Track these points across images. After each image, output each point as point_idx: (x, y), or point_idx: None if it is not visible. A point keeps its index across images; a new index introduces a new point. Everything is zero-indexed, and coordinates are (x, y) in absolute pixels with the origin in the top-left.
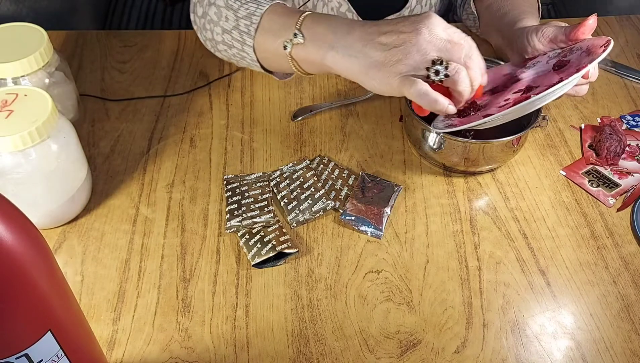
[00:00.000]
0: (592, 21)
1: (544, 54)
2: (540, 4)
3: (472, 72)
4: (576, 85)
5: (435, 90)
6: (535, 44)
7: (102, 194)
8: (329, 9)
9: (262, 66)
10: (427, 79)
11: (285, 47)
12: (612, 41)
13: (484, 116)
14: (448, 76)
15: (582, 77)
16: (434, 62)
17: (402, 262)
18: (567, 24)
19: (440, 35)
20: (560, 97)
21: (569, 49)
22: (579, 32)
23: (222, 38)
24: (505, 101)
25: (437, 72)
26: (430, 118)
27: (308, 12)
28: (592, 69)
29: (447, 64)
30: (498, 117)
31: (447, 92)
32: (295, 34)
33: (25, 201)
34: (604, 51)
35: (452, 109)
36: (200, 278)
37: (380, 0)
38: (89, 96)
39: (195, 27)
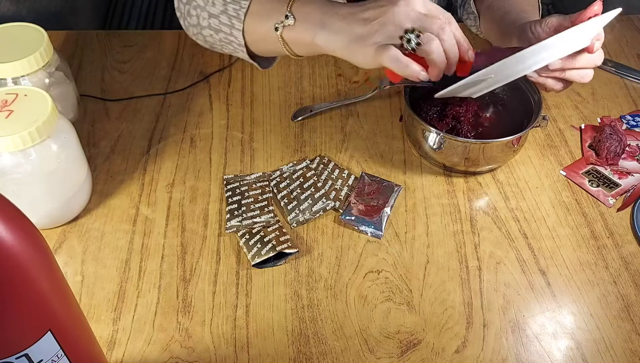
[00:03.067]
0: (597, 7)
1: None
2: (540, 4)
3: (445, 43)
4: (582, 68)
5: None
6: (539, 35)
7: (102, 194)
8: None
9: (248, 52)
10: (401, 47)
11: (276, 29)
12: (621, 9)
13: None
14: (420, 45)
15: (587, 50)
16: (406, 31)
17: (402, 262)
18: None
19: (417, 7)
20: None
21: None
22: (584, 18)
23: (208, 23)
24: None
25: (409, 40)
26: (431, 119)
27: None
28: (597, 38)
29: (420, 33)
30: (495, 70)
31: (426, 65)
32: (286, 16)
33: (25, 201)
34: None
35: (424, 75)
36: (200, 278)
37: None
38: (89, 96)
39: (178, 14)
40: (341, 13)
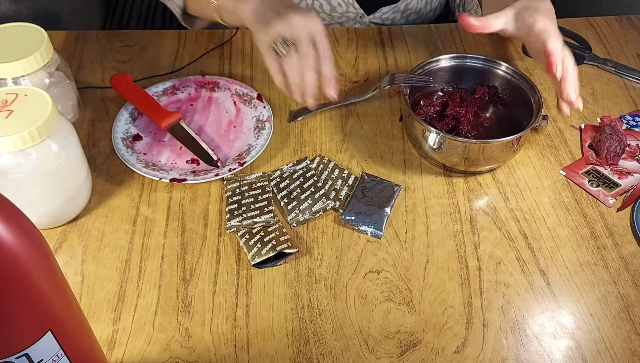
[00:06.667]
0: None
1: None
2: None
3: (303, 72)
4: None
5: None
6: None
7: (102, 194)
8: None
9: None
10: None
11: None
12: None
13: None
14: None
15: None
16: (278, 41)
17: (402, 262)
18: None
19: (295, 22)
20: None
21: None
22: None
23: None
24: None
25: (276, 46)
26: (431, 119)
27: None
28: None
29: (286, 47)
30: None
31: None
32: None
33: (25, 201)
34: None
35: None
36: (200, 278)
37: None
38: (89, 87)
39: None
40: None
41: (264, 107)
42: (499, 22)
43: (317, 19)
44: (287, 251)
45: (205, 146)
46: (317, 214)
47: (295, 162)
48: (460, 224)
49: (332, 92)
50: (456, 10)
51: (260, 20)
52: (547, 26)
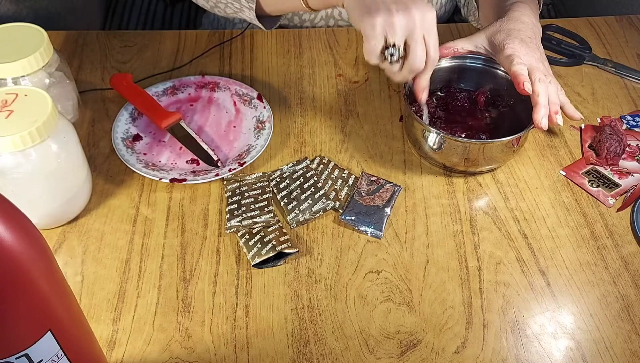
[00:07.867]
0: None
1: None
2: (541, 2)
3: (413, 65)
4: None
5: None
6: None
7: (102, 194)
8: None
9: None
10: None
11: None
12: None
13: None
14: (393, 63)
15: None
16: (389, 46)
17: (402, 262)
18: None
19: (417, 19)
20: None
21: None
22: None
23: None
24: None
25: (391, 55)
26: (433, 121)
27: None
28: None
29: (401, 54)
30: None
31: None
32: None
33: (25, 201)
34: None
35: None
36: (200, 278)
37: None
38: (89, 90)
39: None
40: None
41: (264, 107)
42: (466, 45)
43: (432, 10)
44: (287, 251)
45: (205, 146)
46: (317, 215)
47: (295, 162)
48: (460, 225)
49: (421, 99)
50: (462, 10)
51: (364, 13)
52: (514, 51)
